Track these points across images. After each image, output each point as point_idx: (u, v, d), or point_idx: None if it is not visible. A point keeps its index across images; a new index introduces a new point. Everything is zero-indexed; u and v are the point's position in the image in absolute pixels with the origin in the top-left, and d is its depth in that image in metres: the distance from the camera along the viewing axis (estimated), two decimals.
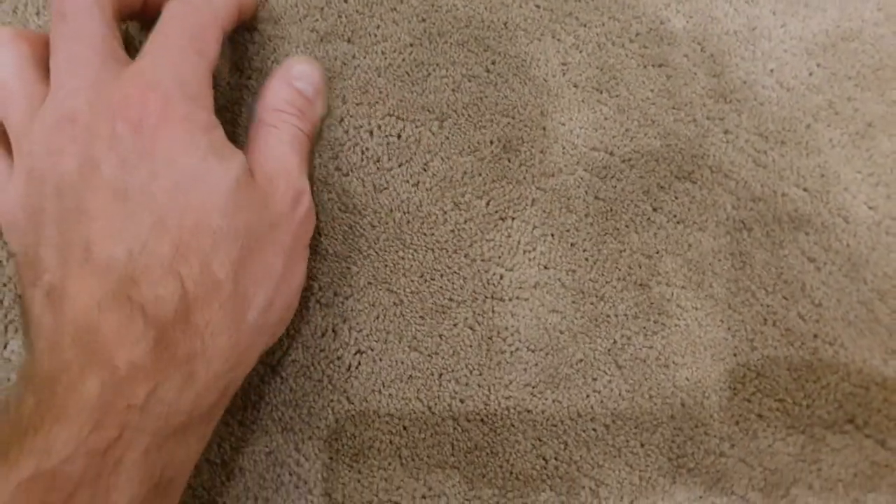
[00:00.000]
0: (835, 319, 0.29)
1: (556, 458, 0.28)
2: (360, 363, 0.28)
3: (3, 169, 0.25)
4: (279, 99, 0.28)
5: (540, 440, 0.28)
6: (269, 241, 0.24)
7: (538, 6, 0.32)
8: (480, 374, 0.28)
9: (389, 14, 0.31)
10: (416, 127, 0.30)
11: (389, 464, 0.27)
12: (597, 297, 0.29)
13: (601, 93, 0.31)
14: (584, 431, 0.28)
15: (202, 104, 0.25)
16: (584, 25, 0.32)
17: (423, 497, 0.27)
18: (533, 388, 0.28)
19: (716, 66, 0.32)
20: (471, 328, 0.28)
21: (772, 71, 0.32)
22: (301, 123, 0.28)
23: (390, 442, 0.27)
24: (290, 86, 0.28)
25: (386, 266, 0.29)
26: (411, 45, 0.31)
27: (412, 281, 0.29)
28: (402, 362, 0.28)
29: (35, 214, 0.24)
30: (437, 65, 0.31)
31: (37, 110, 0.24)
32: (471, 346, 0.28)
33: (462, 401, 0.28)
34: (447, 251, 0.29)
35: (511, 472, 0.27)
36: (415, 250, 0.29)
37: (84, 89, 0.24)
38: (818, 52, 0.32)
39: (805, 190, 0.31)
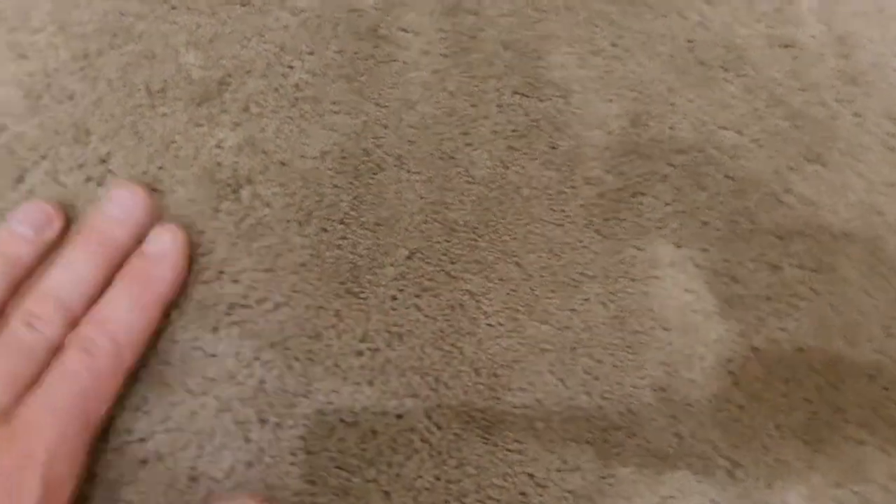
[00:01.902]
0: None
1: (691, 437, 0.27)
2: (489, 336, 0.28)
3: None
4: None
5: (675, 418, 0.27)
6: None
7: None
8: (613, 354, 0.28)
9: None
10: (542, 102, 0.30)
11: (523, 436, 0.27)
12: (729, 277, 0.29)
13: (727, 71, 0.31)
14: (719, 412, 0.28)
15: (59, 490, 0.23)
16: (710, 4, 0.32)
17: (558, 470, 0.27)
18: (667, 366, 0.28)
19: (844, 47, 0.31)
20: (603, 304, 0.28)
21: None
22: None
23: (524, 415, 0.27)
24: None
25: (514, 240, 0.28)
26: (539, 21, 0.31)
27: (541, 256, 0.28)
28: (533, 336, 0.28)
29: None
30: (563, 39, 0.31)
31: None
32: (603, 322, 0.28)
33: (596, 378, 0.27)
34: (577, 226, 0.29)
35: (647, 450, 0.27)
36: (543, 225, 0.29)
37: None
38: None
39: None
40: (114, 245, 0.26)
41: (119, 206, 0.26)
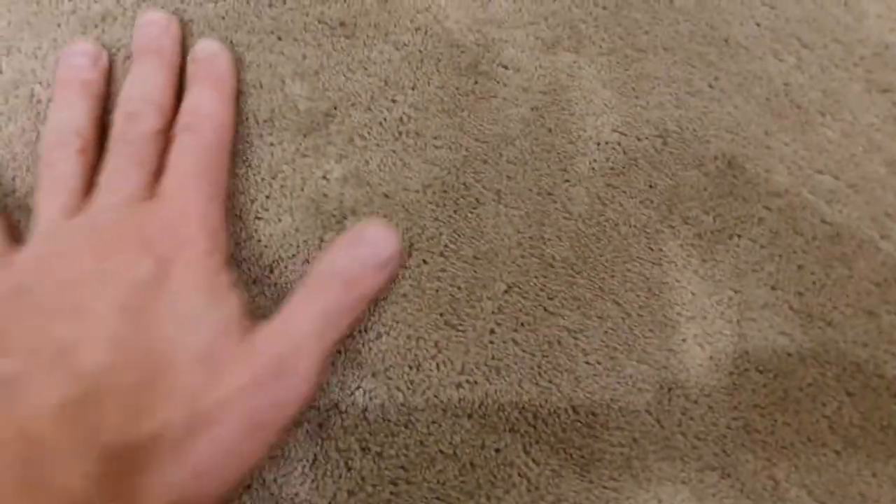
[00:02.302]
0: None
1: (786, 481, 0.27)
2: (587, 374, 0.28)
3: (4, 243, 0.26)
4: (334, 265, 0.27)
5: (770, 461, 0.28)
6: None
7: (759, 24, 0.32)
8: (709, 395, 0.28)
9: (615, 27, 0.31)
10: (640, 141, 0.30)
11: (619, 474, 0.27)
12: (825, 321, 0.29)
13: (824, 115, 0.31)
14: (814, 456, 0.28)
15: (218, 240, 0.26)
16: (807, 47, 0.32)
17: None
18: (762, 409, 0.28)
19: None
20: (700, 346, 0.28)
21: None
22: (347, 297, 0.26)
23: (620, 453, 0.27)
24: (348, 254, 0.27)
25: (613, 277, 0.29)
26: (637, 60, 0.31)
27: (639, 295, 0.29)
28: (631, 375, 0.28)
29: (18, 292, 0.24)
30: (661, 79, 0.31)
31: (71, 211, 0.26)
32: (700, 364, 0.28)
33: (692, 418, 0.28)
34: (676, 266, 0.29)
35: (741, 492, 0.27)
36: (641, 263, 0.29)
37: (119, 207, 0.26)
38: None
39: None
40: (170, 54, 0.29)
41: (155, 27, 0.30)
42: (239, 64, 0.30)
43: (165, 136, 0.28)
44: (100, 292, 0.24)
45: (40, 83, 0.30)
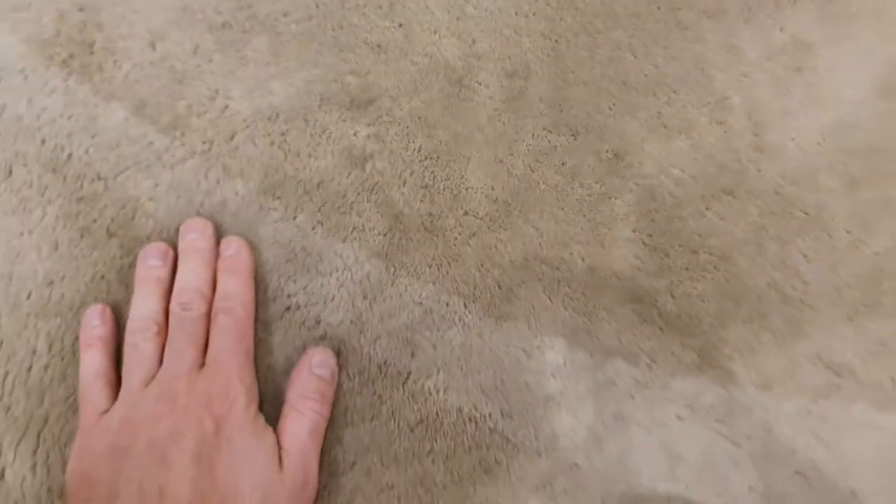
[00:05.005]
0: None
1: None
2: None
3: (105, 406, 0.35)
4: (306, 388, 0.38)
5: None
6: None
7: (646, 75, 0.51)
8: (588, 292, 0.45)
9: (553, 68, 0.50)
10: (559, 136, 0.48)
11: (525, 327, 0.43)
12: (664, 253, 0.46)
13: (681, 134, 0.49)
14: None
15: (253, 392, 0.37)
16: (675, 92, 0.50)
17: None
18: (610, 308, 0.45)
19: None
20: (582, 258, 0.45)
21: None
22: (322, 408, 0.38)
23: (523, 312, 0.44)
24: (312, 374, 0.38)
25: (542, 215, 0.46)
26: (565, 87, 0.49)
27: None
28: None
29: (119, 451, 0.33)
30: (579, 101, 0.49)
31: (148, 381, 0.35)
32: (582, 269, 0.45)
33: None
34: (574, 209, 0.46)
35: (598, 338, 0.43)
36: (558, 204, 0.46)
37: (183, 377, 0.35)
38: None
39: None
40: (207, 253, 0.40)
41: (195, 233, 0.41)
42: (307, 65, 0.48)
43: (208, 317, 0.38)
44: (178, 447, 0.33)
45: None
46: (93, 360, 0.37)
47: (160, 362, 0.36)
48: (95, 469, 0.33)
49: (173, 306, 0.38)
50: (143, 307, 0.38)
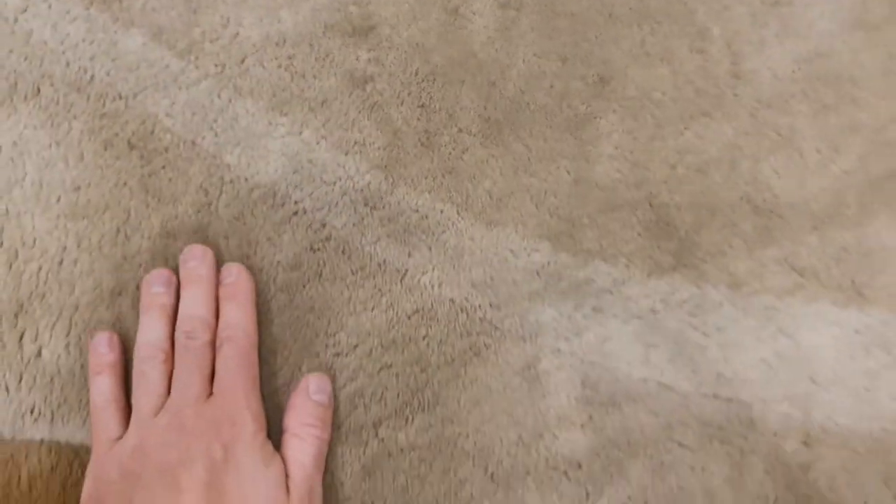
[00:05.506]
0: None
1: None
2: None
3: (117, 433, 0.36)
4: (306, 414, 0.38)
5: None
6: None
7: (631, 9, 0.54)
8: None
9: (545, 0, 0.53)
10: (548, 62, 0.52)
11: None
12: (643, 166, 0.49)
13: (662, 62, 0.52)
14: None
15: (261, 419, 0.37)
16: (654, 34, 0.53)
17: None
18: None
19: None
20: (567, 172, 0.49)
21: None
22: (323, 433, 0.38)
23: None
24: (310, 400, 0.39)
25: (550, 128, 0.50)
26: (554, 18, 0.53)
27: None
28: None
29: (132, 477, 0.33)
30: (566, 30, 0.53)
31: (158, 408, 0.36)
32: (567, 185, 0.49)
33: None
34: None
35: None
36: (559, 126, 0.50)
37: (191, 406, 0.36)
38: None
39: None
40: (208, 281, 0.41)
41: (195, 261, 0.42)
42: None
43: (213, 345, 0.38)
44: (189, 473, 0.33)
45: None
46: (103, 387, 0.38)
47: (168, 388, 0.37)
48: (108, 495, 0.34)
49: (178, 335, 0.39)
50: (149, 333, 0.39)
